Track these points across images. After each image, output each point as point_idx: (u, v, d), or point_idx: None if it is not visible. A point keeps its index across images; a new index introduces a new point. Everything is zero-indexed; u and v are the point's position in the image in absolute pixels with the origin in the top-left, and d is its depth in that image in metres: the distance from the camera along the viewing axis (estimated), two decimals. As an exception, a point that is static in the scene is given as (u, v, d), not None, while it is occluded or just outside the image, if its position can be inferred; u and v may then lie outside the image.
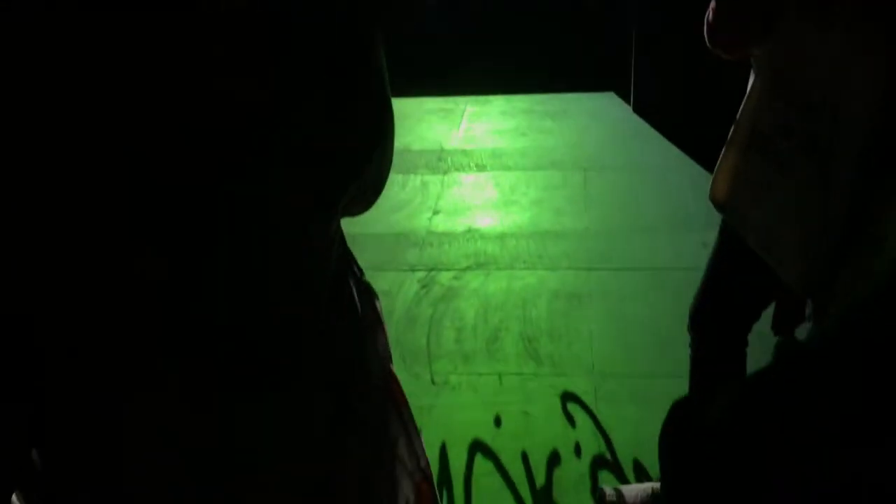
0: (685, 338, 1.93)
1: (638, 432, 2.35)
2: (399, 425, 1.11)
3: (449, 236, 3.47)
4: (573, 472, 2.23)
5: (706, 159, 3.75)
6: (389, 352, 1.11)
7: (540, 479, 2.22)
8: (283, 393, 0.85)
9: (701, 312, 1.86)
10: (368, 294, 1.05)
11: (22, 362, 0.75)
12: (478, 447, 2.34)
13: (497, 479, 2.22)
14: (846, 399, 0.57)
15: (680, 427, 0.73)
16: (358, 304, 0.98)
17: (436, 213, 3.67)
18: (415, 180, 3.99)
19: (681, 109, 4.14)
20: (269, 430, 0.85)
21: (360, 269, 1.05)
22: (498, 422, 2.43)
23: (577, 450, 2.31)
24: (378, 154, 0.82)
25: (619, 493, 2.09)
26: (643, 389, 2.50)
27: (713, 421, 0.66)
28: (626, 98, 4.66)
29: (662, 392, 2.44)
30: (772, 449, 0.59)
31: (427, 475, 1.17)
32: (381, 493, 1.08)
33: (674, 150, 4.05)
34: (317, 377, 0.89)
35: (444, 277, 3.18)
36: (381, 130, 0.81)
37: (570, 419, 2.42)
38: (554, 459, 2.28)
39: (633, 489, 2.09)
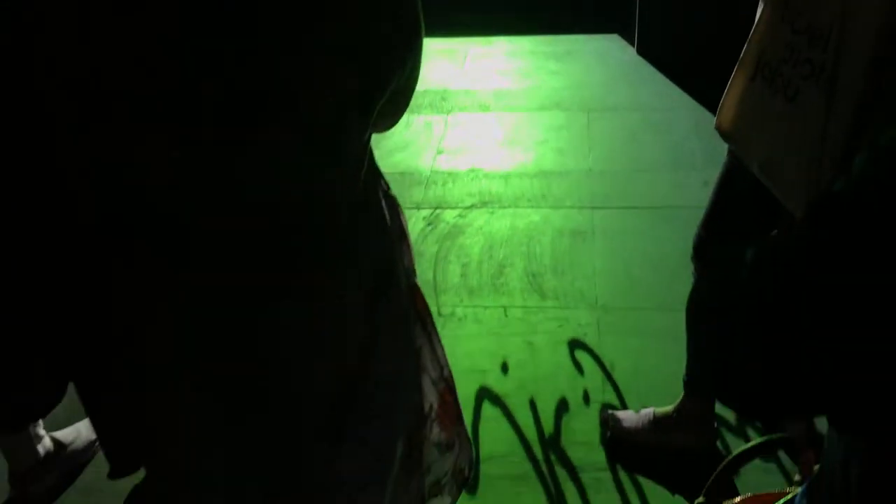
0: (687, 273, 1.97)
1: (639, 362, 2.41)
2: (423, 335, 1.17)
3: (453, 175, 3.51)
4: (575, 399, 2.30)
5: (709, 101, 3.75)
6: (413, 264, 1.16)
7: (543, 406, 2.29)
8: (318, 299, 0.90)
9: (705, 241, 1.90)
10: (395, 207, 1.09)
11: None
12: (482, 374, 2.41)
13: (502, 407, 2.30)
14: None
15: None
16: (387, 215, 1.02)
17: (440, 152, 3.70)
18: (419, 120, 4.00)
19: (685, 51, 4.13)
20: (306, 334, 0.90)
21: (387, 184, 1.09)
22: (502, 351, 2.49)
23: (580, 377, 2.38)
24: (417, 47, 0.85)
25: (619, 419, 2.16)
26: (645, 322, 2.56)
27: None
28: (630, 40, 4.64)
29: (664, 325, 2.51)
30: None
31: (450, 384, 1.23)
32: (408, 398, 1.14)
33: (677, 92, 4.05)
34: (350, 282, 0.94)
35: (449, 215, 3.22)
36: (420, 23, 0.85)
37: (573, 349, 2.48)
38: (556, 386, 2.35)
39: (632, 415, 2.17)
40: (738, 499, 1.14)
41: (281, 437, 0.93)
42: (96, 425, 0.98)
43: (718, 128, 1.70)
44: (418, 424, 1.19)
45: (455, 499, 1.37)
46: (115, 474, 1.00)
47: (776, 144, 1.57)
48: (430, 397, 1.20)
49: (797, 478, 0.92)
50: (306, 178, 0.81)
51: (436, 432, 1.24)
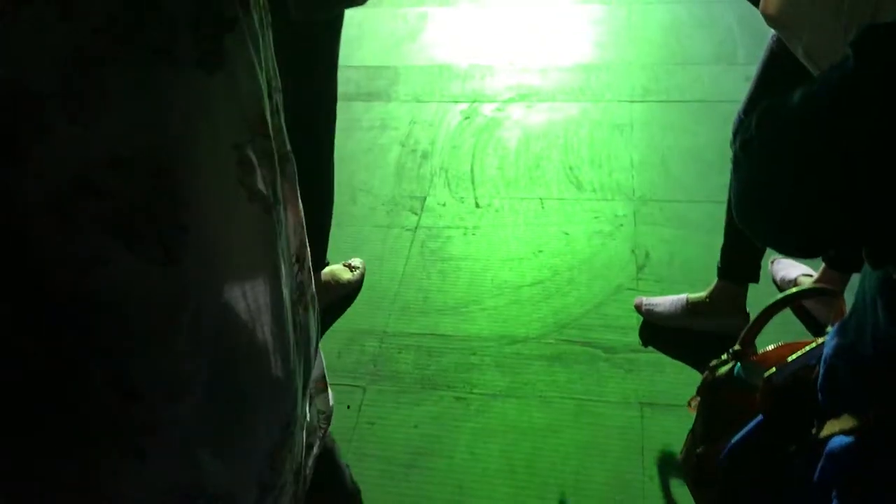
0: (726, 166, 1.97)
1: (673, 252, 2.45)
2: None
3: (491, 69, 3.49)
4: (610, 285, 2.36)
5: (755, -7, 3.66)
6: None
7: (578, 292, 2.35)
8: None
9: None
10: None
11: None
12: (518, 262, 2.47)
13: (538, 291, 2.36)
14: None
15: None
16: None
17: (478, 46, 3.67)
18: (456, 14, 3.96)
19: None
20: None
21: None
22: (539, 240, 2.54)
23: (615, 265, 2.43)
24: None
25: (653, 304, 2.22)
26: (682, 213, 2.59)
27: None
28: (674, -70, 4.49)
29: (700, 215, 2.54)
30: None
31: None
32: None
33: (721, -16, 3.95)
34: None
35: (487, 109, 3.23)
36: None
37: (609, 239, 2.53)
38: (592, 274, 2.41)
39: (666, 300, 2.22)
40: (771, 346, 1.20)
41: None
42: None
43: (764, 12, 1.68)
44: None
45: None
46: None
47: (821, 27, 1.56)
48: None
49: (829, 329, 0.97)
50: None
51: None
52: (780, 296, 1.23)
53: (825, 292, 1.38)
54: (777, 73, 1.78)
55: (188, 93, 0.68)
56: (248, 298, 0.80)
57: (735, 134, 1.93)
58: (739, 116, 1.90)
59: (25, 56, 0.59)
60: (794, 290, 1.27)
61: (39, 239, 0.65)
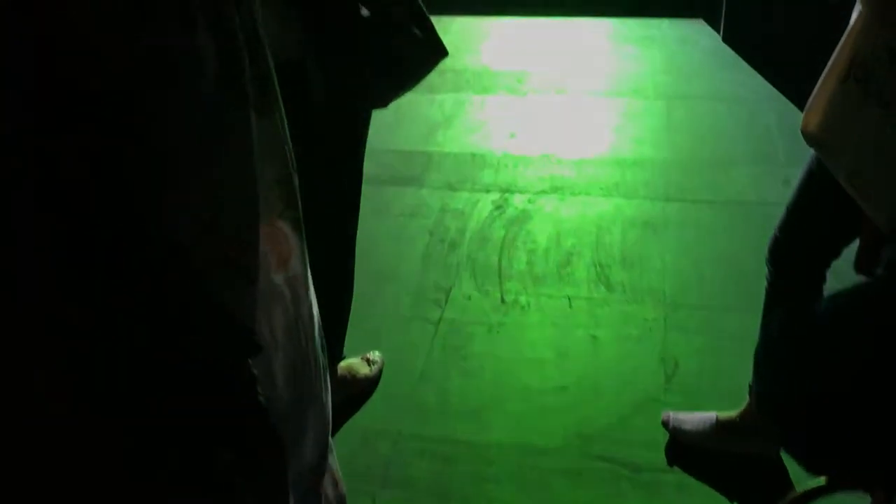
0: (761, 273, 1.91)
1: (704, 363, 2.36)
2: None
3: (525, 159, 3.46)
4: (637, 396, 2.26)
5: (795, 94, 3.62)
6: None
7: (603, 402, 2.26)
8: None
9: (781, 244, 1.84)
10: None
11: None
12: (542, 365, 2.39)
13: (561, 399, 2.28)
14: None
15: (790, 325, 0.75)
16: None
17: (512, 135, 3.66)
18: (493, 101, 3.96)
19: (772, 40, 3.99)
20: None
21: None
22: (565, 343, 2.46)
23: (642, 374, 2.33)
24: None
25: (681, 421, 2.12)
26: (714, 321, 2.50)
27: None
28: (715, 26, 4.50)
29: (734, 325, 2.45)
30: None
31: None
32: None
33: (762, 83, 3.91)
34: None
35: (519, 200, 3.19)
36: None
37: (637, 344, 2.44)
38: (618, 383, 2.31)
39: (694, 417, 2.12)
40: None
41: None
42: None
43: (804, 130, 1.63)
44: None
45: None
46: None
47: (866, 153, 1.50)
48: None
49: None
50: None
51: None
52: (808, 487, 1.14)
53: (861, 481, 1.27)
54: (816, 198, 1.72)
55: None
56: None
57: (770, 252, 1.86)
58: (776, 236, 1.83)
59: None
60: (822, 483, 1.18)
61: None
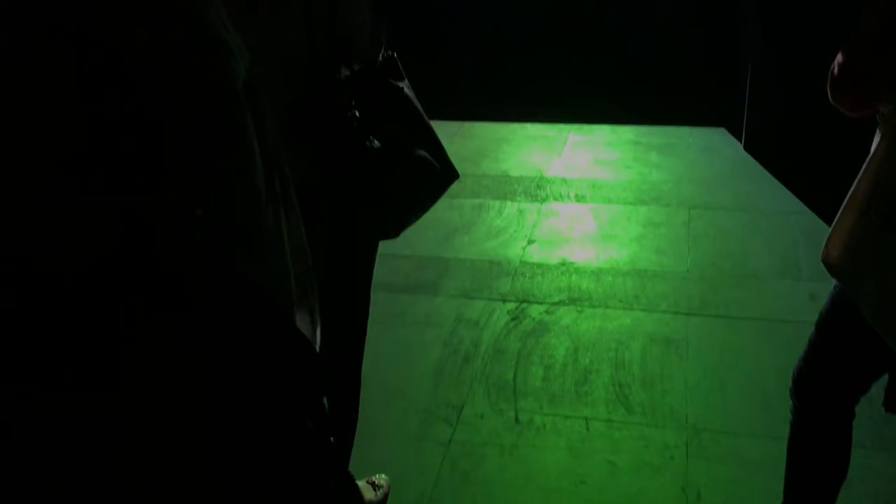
0: (786, 396, 1.81)
1: (729, 494, 2.21)
2: None
3: (543, 268, 3.40)
4: (658, 533, 2.12)
5: (820, 205, 3.56)
6: None
7: (622, 536, 2.12)
8: None
9: (806, 378, 1.74)
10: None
11: None
12: (558, 495, 2.26)
13: (576, 532, 2.14)
14: None
15: None
16: None
17: (531, 242, 3.61)
18: (511, 207, 3.94)
19: (796, 150, 3.95)
20: None
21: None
22: (581, 469, 2.34)
23: (664, 509, 2.20)
24: None
25: (706, 561, 1.97)
26: (739, 448, 2.36)
27: None
28: (737, 135, 4.48)
29: (760, 453, 2.32)
30: None
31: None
32: None
33: (786, 194, 3.86)
34: None
35: (536, 311, 3.11)
36: None
37: (658, 473, 2.30)
38: (638, 516, 2.18)
39: (721, 557, 1.97)
40: None
41: None
42: None
43: (825, 261, 1.56)
44: None
45: None
46: None
47: (889, 285, 1.42)
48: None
49: None
50: None
51: None
52: None
53: None
54: (840, 326, 1.63)
55: None
56: None
57: (794, 382, 1.76)
58: (800, 367, 1.73)
59: None
60: None
61: None
